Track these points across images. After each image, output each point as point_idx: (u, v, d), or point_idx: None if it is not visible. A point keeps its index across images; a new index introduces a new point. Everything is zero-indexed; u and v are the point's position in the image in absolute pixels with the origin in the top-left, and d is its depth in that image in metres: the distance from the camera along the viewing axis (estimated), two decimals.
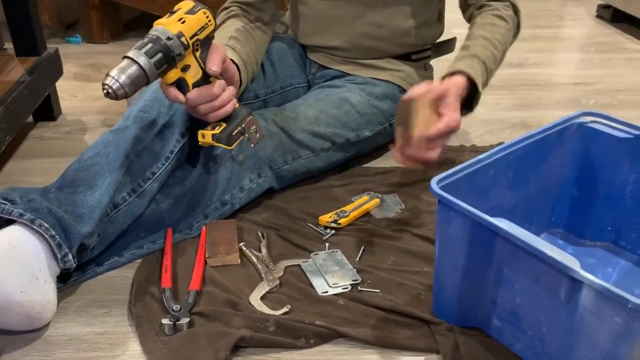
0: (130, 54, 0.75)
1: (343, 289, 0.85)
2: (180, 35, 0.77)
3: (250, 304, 0.82)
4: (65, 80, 1.53)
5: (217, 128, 0.86)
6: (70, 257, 0.79)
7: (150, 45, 0.75)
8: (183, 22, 0.78)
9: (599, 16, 2.36)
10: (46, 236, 0.77)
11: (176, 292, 0.84)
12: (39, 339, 0.77)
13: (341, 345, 0.77)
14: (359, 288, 0.85)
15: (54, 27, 1.95)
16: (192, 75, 0.82)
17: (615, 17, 2.26)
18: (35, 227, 0.76)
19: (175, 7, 0.81)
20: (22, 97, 1.16)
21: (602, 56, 1.93)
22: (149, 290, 0.84)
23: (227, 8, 1.12)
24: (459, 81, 0.93)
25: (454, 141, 1.30)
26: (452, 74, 0.95)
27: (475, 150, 1.26)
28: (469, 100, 0.98)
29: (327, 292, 0.84)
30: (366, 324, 0.79)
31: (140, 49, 0.75)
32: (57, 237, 0.77)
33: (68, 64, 1.61)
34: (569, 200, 0.96)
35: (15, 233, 0.75)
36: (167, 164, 0.93)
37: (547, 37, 2.13)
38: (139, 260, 0.91)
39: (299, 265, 0.90)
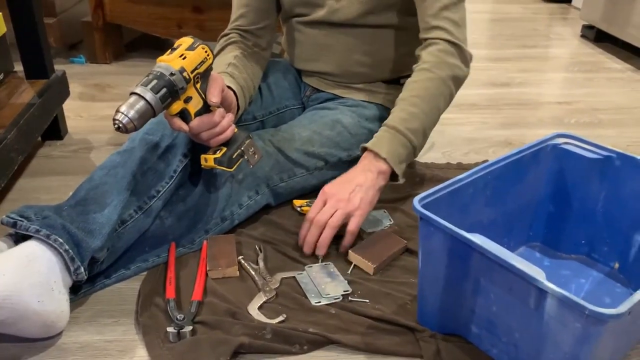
0: (137, 91, 0.81)
1: (335, 299, 0.91)
2: (182, 70, 0.84)
3: (249, 313, 0.88)
4: (71, 100, 1.60)
5: (218, 152, 0.93)
6: (82, 269, 0.85)
7: (155, 81, 0.82)
8: (184, 58, 0.85)
9: (583, 36, 2.45)
10: (60, 250, 0.83)
11: (180, 303, 0.90)
12: (53, 346, 0.83)
13: (333, 351, 0.83)
14: (349, 298, 0.92)
15: (59, 47, 2.02)
16: (194, 105, 0.89)
17: (598, 37, 2.35)
18: (50, 242, 0.83)
19: (176, 44, 0.88)
20: (33, 119, 1.23)
21: (585, 75, 2.02)
22: (154, 301, 0.91)
23: (227, 35, 1.20)
24: (362, 163, 1.03)
25: (440, 159, 1.38)
26: (372, 152, 1.02)
27: (461, 167, 1.33)
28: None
29: (320, 302, 0.91)
30: (356, 332, 0.85)
31: (146, 85, 0.82)
32: (70, 251, 0.84)
33: (72, 84, 1.68)
34: (546, 216, 1.03)
35: (32, 248, 0.82)
36: (170, 182, 1.00)
37: (533, 56, 2.22)
38: (145, 273, 0.97)
39: (294, 277, 0.96)
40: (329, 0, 1.15)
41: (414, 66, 1.10)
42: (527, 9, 2.95)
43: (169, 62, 0.84)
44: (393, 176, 1.05)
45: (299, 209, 1.12)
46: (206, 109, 0.91)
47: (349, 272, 0.98)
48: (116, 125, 0.81)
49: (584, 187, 0.98)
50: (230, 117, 0.94)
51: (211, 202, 1.03)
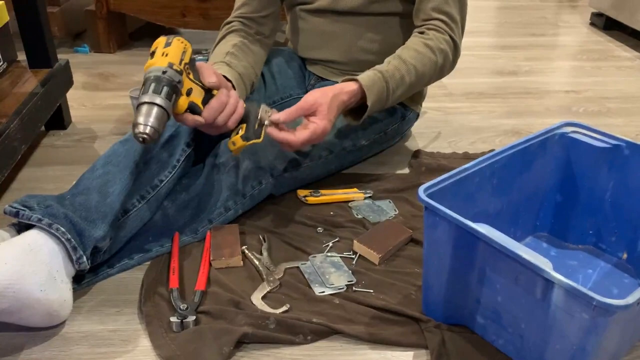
0: (145, 100, 0.81)
1: (339, 289, 0.91)
2: (170, 65, 0.84)
3: (252, 303, 0.87)
4: (74, 89, 1.59)
5: (240, 131, 0.94)
6: (85, 259, 0.85)
7: (154, 84, 0.81)
8: (166, 55, 0.85)
9: (592, 24, 2.42)
10: (62, 240, 0.83)
11: (183, 292, 0.90)
12: (57, 335, 0.83)
13: (336, 341, 0.83)
14: (353, 288, 0.91)
15: (63, 37, 2.02)
16: (197, 95, 0.88)
17: (607, 25, 2.32)
18: (52, 231, 0.82)
19: (152, 48, 0.87)
20: (36, 108, 1.23)
21: (594, 64, 1.99)
22: (157, 291, 0.90)
23: (229, 22, 1.18)
24: (348, 87, 1.00)
25: (446, 149, 1.36)
26: (348, 79, 1.02)
27: (467, 157, 1.32)
28: (361, 110, 1.04)
29: (323, 292, 0.90)
30: (360, 322, 0.84)
31: (149, 92, 0.81)
32: (72, 240, 0.83)
33: (76, 73, 1.67)
34: (553, 206, 1.02)
35: (34, 236, 0.81)
36: (173, 172, 0.99)
37: (541, 44, 2.19)
38: (148, 263, 0.97)
39: (297, 267, 0.96)
40: None
41: (417, 30, 1.11)
42: None
43: (156, 64, 0.84)
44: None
45: (303, 198, 1.11)
46: (209, 95, 0.90)
47: (353, 262, 0.97)
48: (141, 139, 0.80)
49: (592, 176, 0.97)
50: (235, 93, 0.93)
51: (215, 192, 1.02)
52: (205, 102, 0.89)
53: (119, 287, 0.92)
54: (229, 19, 1.19)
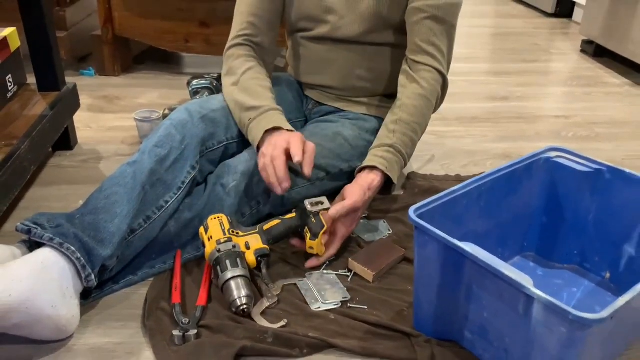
0: (229, 276, 0.93)
1: (334, 305, 0.95)
2: (218, 242, 0.97)
3: (251, 318, 0.92)
4: (80, 111, 1.64)
5: (306, 235, 1.03)
6: (93, 277, 0.89)
7: (219, 266, 0.95)
8: (211, 238, 0.99)
9: (583, 51, 2.49)
10: (73, 258, 0.87)
11: (185, 307, 0.94)
12: (64, 348, 0.87)
13: (331, 354, 0.87)
14: (348, 305, 0.95)
15: (68, 60, 2.08)
16: (256, 241, 1.00)
17: (597, 52, 2.39)
18: (63, 250, 0.87)
19: (201, 239, 1.02)
20: (45, 130, 1.28)
21: (584, 90, 2.05)
22: (160, 306, 0.94)
23: (239, 45, 1.21)
24: (374, 182, 1.08)
25: (439, 171, 1.41)
26: (369, 167, 1.10)
27: (460, 179, 1.36)
28: (388, 185, 1.13)
29: (319, 308, 0.94)
30: (354, 337, 0.88)
31: (222, 273, 0.94)
32: (82, 259, 0.88)
33: (82, 95, 1.71)
34: (539, 227, 1.07)
35: (46, 255, 0.86)
36: (178, 193, 1.04)
37: (533, 71, 2.26)
38: (152, 279, 1.01)
39: (295, 284, 1.00)
40: (332, 18, 1.20)
41: (407, 82, 1.17)
42: (529, 24, 2.99)
43: (209, 250, 0.97)
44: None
45: None
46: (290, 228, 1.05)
47: (348, 279, 1.02)
48: (242, 310, 0.91)
49: (576, 199, 1.02)
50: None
51: (215, 211, 1.07)
52: (281, 233, 1.04)
53: (124, 302, 0.97)
54: (237, 41, 1.21)
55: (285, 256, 1.07)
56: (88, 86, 1.95)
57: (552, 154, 1.03)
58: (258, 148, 1.08)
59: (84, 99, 1.79)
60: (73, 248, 0.87)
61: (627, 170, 0.96)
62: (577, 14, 3.01)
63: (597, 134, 1.68)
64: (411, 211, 0.81)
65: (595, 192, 1.00)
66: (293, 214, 1.05)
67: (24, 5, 1.33)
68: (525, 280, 0.69)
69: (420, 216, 0.82)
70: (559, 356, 0.70)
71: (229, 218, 1.02)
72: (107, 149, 1.52)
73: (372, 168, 1.10)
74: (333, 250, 1.06)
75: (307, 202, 1.04)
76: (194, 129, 1.08)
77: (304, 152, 1.02)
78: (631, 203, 0.95)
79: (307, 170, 1.03)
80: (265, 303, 0.95)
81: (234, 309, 0.91)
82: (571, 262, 1.05)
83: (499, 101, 1.92)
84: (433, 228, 0.78)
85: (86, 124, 1.66)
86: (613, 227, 0.99)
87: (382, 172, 1.09)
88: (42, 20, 1.35)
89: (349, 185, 1.08)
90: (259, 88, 1.15)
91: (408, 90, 1.16)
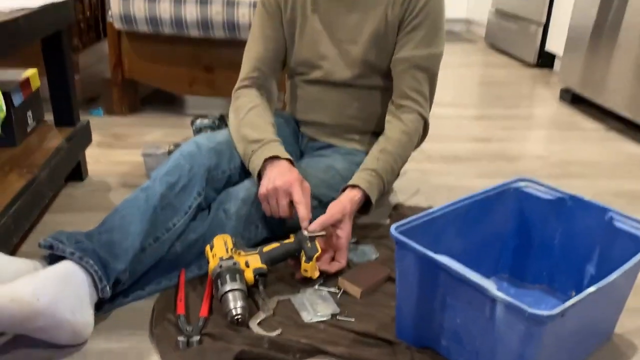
0: (227, 289, 1.02)
1: (325, 317, 1.04)
2: (221, 259, 1.07)
3: (249, 328, 1.01)
4: (90, 147, 1.76)
5: (302, 259, 1.12)
6: (108, 288, 0.99)
7: (219, 279, 1.04)
8: (215, 255, 1.09)
9: (561, 98, 2.66)
10: (91, 271, 0.97)
11: (188, 318, 1.03)
12: (79, 352, 0.96)
13: (322, 359, 0.96)
14: (337, 317, 1.05)
15: (78, 101, 2.21)
16: (255, 261, 1.10)
17: (574, 100, 2.56)
18: (83, 263, 0.97)
19: (207, 256, 1.12)
20: (61, 161, 1.40)
21: (561, 133, 2.20)
22: (166, 317, 1.04)
23: (247, 87, 1.35)
24: (355, 197, 1.20)
25: (423, 203, 1.53)
26: (352, 186, 1.22)
27: None
28: (366, 206, 1.25)
29: (311, 319, 1.04)
30: (342, 344, 0.98)
31: (221, 286, 1.03)
32: (99, 271, 0.98)
33: (92, 133, 1.85)
34: (512, 249, 1.17)
35: (68, 267, 0.96)
36: (185, 217, 1.15)
37: (515, 116, 2.41)
38: (158, 294, 1.11)
39: (289, 299, 1.10)
40: (325, 64, 1.34)
41: (393, 120, 1.31)
42: (512, 74, 3.18)
43: (212, 266, 1.07)
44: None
45: None
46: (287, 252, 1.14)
47: (338, 296, 1.11)
48: (237, 320, 1.00)
49: (543, 224, 1.13)
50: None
51: (218, 234, 1.17)
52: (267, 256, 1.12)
53: (133, 313, 1.06)
54: (245, 83, 1.35)
55: (282, 277, 1.17)
56: (97, 125, 2.08)
57: (522, 183, 1.15)
58: (259, 175, 1.19)
59: (93, 137, 1.91)
60: (92, 261, 0.98)
61: (585, 198, 1.08)
62: (557, 65, 3.20)
63: (571, 172, 1.81)
64: (392, 228, 0.92)
65: (559, 218, 1.11)
66: (291, 239, 1.15)
67: (48, 50, 1.47)
68: (489, 285, 0.80)
69: (401, 233, 0.93)
70: (519, 351, 0.79)
71: (233, 239, 1.12)
72: (115, 181, 1.63)
73: (354, 186, 1.21)
74: (344, 260, 1.17)
75: (300, 232, 1.15)
76: (201, 159, 1.20)
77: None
78: (590, 227, 1.07)
79: (304, 224, 1.15)
80: (262, 315, 1.04)
81: (229, 319, 1.00)
82: (541, 282, 1.16)
83: (481, 142, 2.06)
84: (410, 241, 0.89)
85: (96, 159, 1.78)
86: (576, 249, 1.10)
87: (364, 190, 1.20)
88: (63, 64, 1.49)
89: (333, 202, 1.20)
90: (262, 123, 1.28)
91: (393, 126, 1.29)
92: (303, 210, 1.14)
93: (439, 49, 1.31)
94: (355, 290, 1.11)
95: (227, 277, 1.03)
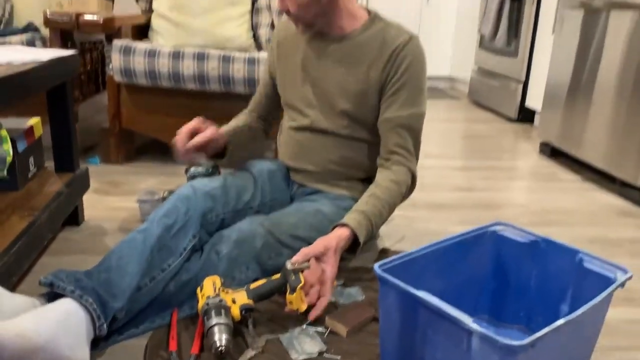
0: (213, 323, 1.06)
1: (312, 355, 1.09)
2: (208, 297, 1.11)
3: None
4: (87, 194, 1.83)
5: (287, 291, 1.16)
6: (105, 326, 1.04)
7: (206, 316, 1.08)
8: (203, 296, 1.13)
9: (541, 151, 2.77)
10: (90, 309, 1.02)
11: (180, 354, 1.07)
12: None
13: None
14: (324, 355, 1.09)
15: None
16: (242, 297, 1.14)
17: (553, 153, 2.67)
18: (82, 301, 1.02)
19: (198, 294, 1.16)
20: (61, 204, 1.45)
21: (540, 184, 2.30)
22: (159, 353, 1.07)
23: (245, 112, 1.60)
24: (344, 234, 1.24)
25: (408, 248, 1.59)
26: (341, 224, 1.27)
27: None
28: (354, 246, 1.30)
29: (299, 357, 1.08)
30: None
31: (207, 320, 1.07)
32: (97, 310, 1.03)
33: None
34: (490, 290, 1.23)
35: (68, 305, 1.01)
36: (180, 258, 1.20)
37: (496, 167, 2.51)
38: (151, 332, 1.14)
39: (278, 337, 1.14)
40: (312, 112, 1.44)
41: (383, 170, 1.40)
42: (494, 128, 3.31)
43: (200, 305, 1.11)
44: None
45: None
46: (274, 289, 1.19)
47: (325, 334, 1.16)
48: (220, 351, 1.04)
49: (519, 266, 1.20)
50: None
51: (209, 274, 1.22)
52: (263, 293, 1.17)
53: (127, 350, 1.10)
54: (249, 110, 1.63)
55: (272, 317, 1.22)
56: (94, 172, 2.14)
57: (498, 227, 1.22)
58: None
59: (90, 183, 1.98)
60: (91, 300, 1.02)
61: (557, 241, 1.15)
62: (537, 120, 3.34)
63: (550, 220, 1.89)
64: (376, 266, 0.99)
65: (534, 260, 1.18)
66: (278, 275, 1.21)
67: (52, 100, 1.56)
68: (465, 318, 0.86)
69: (384, 271, 0.99)
70: None
71: (222, 280, 1.17)
72: (111, 226, 1.68)
73: (343, 225, 1.27)
74: (329, 294, 1.19)
75: (288, 262, 1.19)
76: (197, 203, 1.27)
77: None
78: (562, 269, 1.13)
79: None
80: (251, 352, 1.09)
81: (213, 351, 1.03)
82: (519, 323, 1.21)
83: (464, 191, 2.14)
84: (393, 278, 0.95)
85: (92, 205, 1.84)
86: (550, 290, 1.16)
87: (352, 229, 1.26)
88: (67, 113, 1.58)
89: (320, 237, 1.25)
90: (233, 121, 1.49)
91: (383, 176, 1.38)
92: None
93: (421, 108, 1.40)
94: (341, 329, 1.16)
95: (213, 312, 1.08)
